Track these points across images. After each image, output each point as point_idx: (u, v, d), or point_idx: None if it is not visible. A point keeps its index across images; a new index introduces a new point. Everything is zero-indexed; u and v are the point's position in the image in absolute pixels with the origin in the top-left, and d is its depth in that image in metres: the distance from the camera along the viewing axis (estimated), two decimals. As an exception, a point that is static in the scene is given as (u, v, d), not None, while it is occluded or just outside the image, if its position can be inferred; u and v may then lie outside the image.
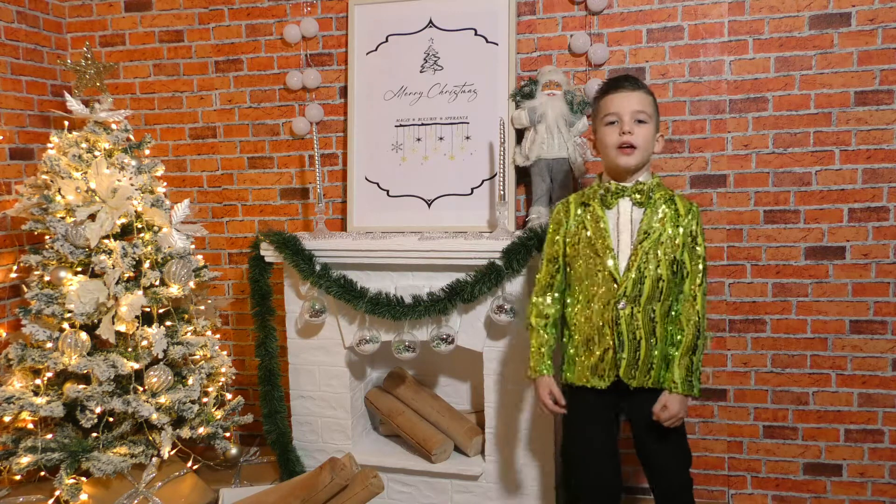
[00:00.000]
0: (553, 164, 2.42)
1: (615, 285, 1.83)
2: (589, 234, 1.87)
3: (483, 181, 2.59)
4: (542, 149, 2.42)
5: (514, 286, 2.30)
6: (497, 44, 2.59)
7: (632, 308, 1.82)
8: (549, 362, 1.96)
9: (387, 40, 2.70)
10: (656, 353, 1.85)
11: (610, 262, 1.83)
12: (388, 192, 2.69)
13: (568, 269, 1.95)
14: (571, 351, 1.94)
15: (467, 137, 2.61)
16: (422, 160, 2.66)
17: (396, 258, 2.39)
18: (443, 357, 2.65)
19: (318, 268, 2.43)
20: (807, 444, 2.53)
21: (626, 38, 2.52)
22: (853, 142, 2.40)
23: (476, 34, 2.61)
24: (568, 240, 1.93)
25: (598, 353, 1.87)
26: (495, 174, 2.56)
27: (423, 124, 2.66)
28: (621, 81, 1.86)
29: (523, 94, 2.49)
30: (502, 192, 2.38)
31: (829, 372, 2.49)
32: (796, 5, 2.39)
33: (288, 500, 2.16)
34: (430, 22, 2.66)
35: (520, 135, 2.55)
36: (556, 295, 1.97)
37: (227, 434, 2.59)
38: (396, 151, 2.68)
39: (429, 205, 2.65)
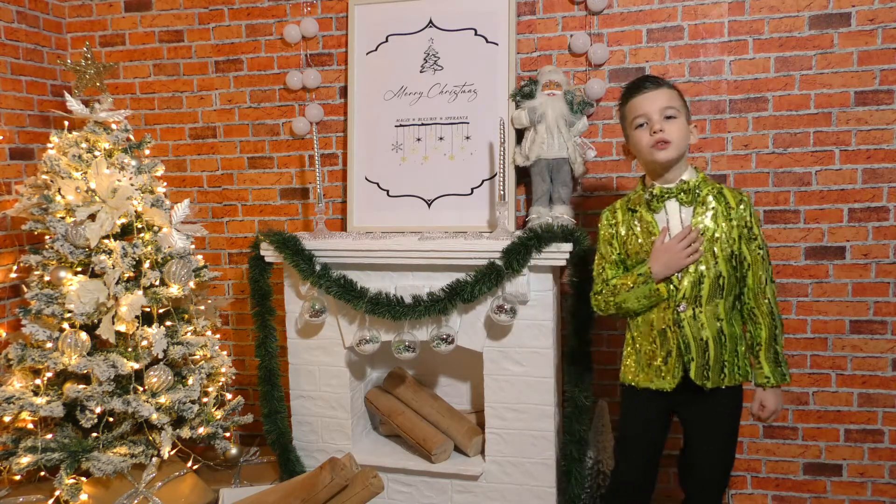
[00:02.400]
0: (553, 164, 2.42)
1: (672, 288, 1.81)
2: (640, 240, 1.86)
3: (483, 181, 2.59)
4: (542, 149, 2.41)
5: (514, 286, 2.30)
6: (497, 44, 2.59)
7: (693, 309, 1.80)
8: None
9: (387, 40, 2.70)
10: (727, 351, 1.82)
11: None
12: (388, 192, 2.69)
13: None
14: (633, 354, 1.93)
15: (467, 137, 2.61)
16: (422, 160, 2.66)
17: (396, 258, 2.39)
18: (443, 357, 2.65)
19: (318, 268, 2.43)
20: (807, 444, 2.53)
21: (626, 38, 2.52)
22: (853, 142, 2.40)
23: (476, 34, 2.61)
24: (619, 247, 1.92)
25: (661, 355, 1.85)
26: (495, 174, 2.56)
27: (423, 124, 2.66)
28: (643, 82, 1.84)
29: (523, 94, 2.49)
30: (502, 192, 2.38)
31: (829, 372, 2.49)
32: (796, 5, 2.40)
33: (288, 500, 2.16)
34: (430, 22, 2.66)
35: (520, 135, 2.55)
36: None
37: (227, 434, 2.59)
38: (396, 151, 2.68)
39: (429, 205, 2.65)
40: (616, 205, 1.97)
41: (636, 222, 1.88)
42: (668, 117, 1.80)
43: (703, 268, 1.79)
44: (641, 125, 1.82)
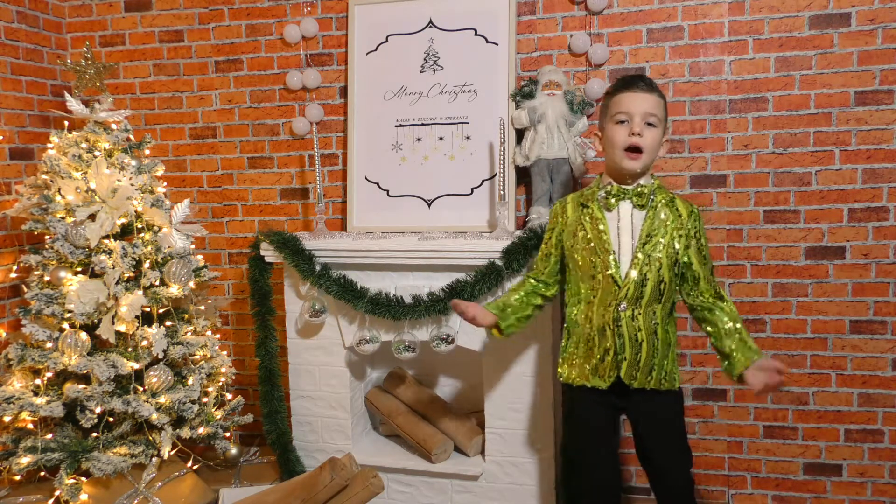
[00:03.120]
0: (553, 164, 2.42)
1: (616, 287, 1.82)
2: (588, 235, 1.87)
3: (483, 181, 2.59)
4: (542, 149, 2.41)
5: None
6: (497, 44, 2.59)
7: (633, 310, 1.82)
8: (496, 311, 1.98)
9: (387, 40, 2.70)
10: (658, 354, 1.85)
11: (611, 265, 1.82)
12: (388, 192, 2.69)
13: (567, 270, 1.96)
14: (571, 350, 1.94)
15: (467, 137, 2.61)
16: (422, 160, 2.66)
17: (396, 258, 2.39)
18: (443, 357, 2.65)
19: (318, 268, 2.43)
20: (807, 444, 2.53)
21: (626, 38, 2.52)
22: (853, 142, 2.40)
23: (476, 34, 2.61)
24: (565, 240, 1.93)
25: (598, 353, 1.87)
26: (495, 174, 2.56)
27: (423, 124, 2.66)
28: (636, 81, 1.84)
29: (523, 94, 2.49)
30: (502, 192, 2.38)
31: (829, 372, 2.49)
32: (796, 5, 2.40)
33: (288, 500, 2.16)
34: (430, 22, 2.66)
35: (520, 135, 2.55)
36: (537, 281, 2.02)
37: (227, 434, 2.59)
38: (396, 151, 2.68)
39: (429, 205, 2.65)
40: (567, 198, 1.98)
41: (587, 218, 1.89)
42: (649, 124, 1.81)
43: (647, 271, 1.81)
44: (622, 122, 1.83)
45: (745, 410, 2.57)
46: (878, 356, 2.44)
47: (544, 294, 2.03)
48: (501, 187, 2.38)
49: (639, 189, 1.84)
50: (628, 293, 1.81)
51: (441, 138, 2.64)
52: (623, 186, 1.86)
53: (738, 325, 1.85)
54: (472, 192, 2.60)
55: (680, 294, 1.91)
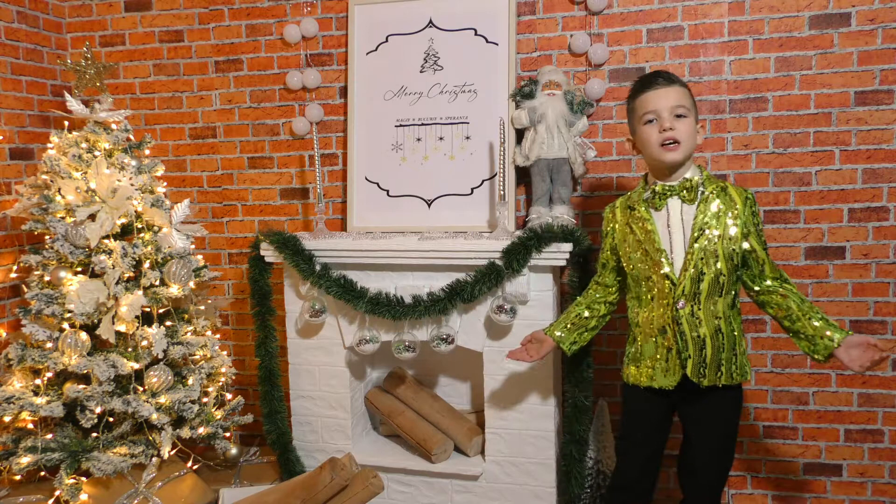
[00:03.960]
0: (553, 164, 2.42)
1: (672, 286, 1.81)
2: (638, 237, 1.86)
3: (483, 181, 2.59)
4: (542, 149, 2.41)
5: (514, 286, 2.30)
6: (497, 44, 2.59)
7: (692, 306, 1.80)
8: (568, 335, 2.02)
9: (387, 40, 2.70)
10: (724, 349, 1.82)
11: (664, 264, 1.81)
12: (388, 192, 2.69)
13: (626, 273, 1.95)
14: (634, 351, 1.94)
15: (467, 137, 2.61)
16: (422, 160, 2.66)
17: (396, 258, 2.39)
18: (443, 357, 2.65)
19: (318, 268, 2.43)
20: (807, 444, 2.53)
21: (626, 38, 2.52)
22: (853, 142, 2.40)
23: (476, 34, 2.61)
24: (618, 246, 1.94)
25: (662, 352, 1.86)
26: (495, 174, 2.56)
27: (423, 124, 2.66)
28: (655, 78, 1.83)
29: (523, 94, 2.49)
30: (502, 192, 2.38)
31: (829, 372, 2.49)
32: (796, 5, 2.40)
33: (288, 500, 2.16)
34: (430, 22, 2.66)
35: (520, 135, 2.55)
36: (601, 293, 2.05)
37: (227, 434, 2.59)
38: (396, 151, 2.68)
39: (429, 205, 2.65)
40: (616, 203, 1.98)
41: (635, 220, 1.88)
42: (679, 116, 1.79)
43: (703, 265, 1.79)
44: (651, 121, 1.81)
45: (746, 410, 2.57)
46: (878, 356, 2.44)
47: (608, 301, 2.05)
48: (501, 187, 2.38)
49: (685, 184, 1.81)
50: (685, 290, 1.80)
51: (441, 138, 2.64)
52: (669, 184, 1.83)
53: (813, 306, 1.81)
54: (472, 192, 2.60)
55: (743, 282, 1.87)
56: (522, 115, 2.46)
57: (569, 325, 2.04)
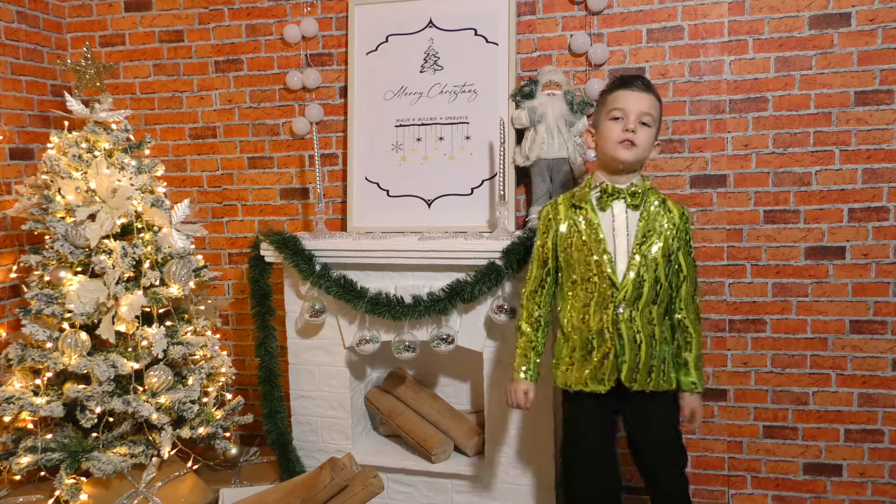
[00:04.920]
0: (553, 164, 2.42)
1: (614, 289, 1.82)
2: (584, 237, 1.86)
3: (483, 181, 2.59)
4: (542, 149, 2.41)
5: (515, 286, 2.30)
6: (497, 44, 2.58)
7: (630, 311, 1.82)
8: (534, 368, 1.96)
9: (387, 40, 2.70)
10: (656, 356, 1.85)
11: (607, 266, 1.82)
12: (388, 192, 2.69)
13: (559, 272, 1.95)
14: (566, 355, 1.93)
15: (467, 137, 2.61)
16: (422, 160, 2.66)
17: (396, 258, 2.39)
18: (443, 357, 2.65)
19: (318, 268, 2.43)
20: (807, 444, 2.53)
21: (626, 38, 2.52)
22: (853, 142, 2.40)
23: (476, 34, 2.61)
24: (559, 243, 1.92)
25: (597, 357, 1.86)
26: (495, 174, 2.56)
27: (423, 124, 2.66)
28: (634, 80, 1.85)
29: (523, 94, 2.49)
30: (502, 192, 2.38)
31: (829, 372, 2.49)
32: (796, 5, 2.40)
33: (288, 500, 2.16)
34: (430, 22, 2.66)
35: (520, 135, 2.55)
36: (546, 298, 1.97)
37: (227, 434, 2.59)
38: (396, 151, 2.68)
39: (429, 205, 2.65)
40: (558, 199, 1.96)
41: (581, 219, 1.88)
42: (644, 123, 1.82)
43: (644, 272, 1.81)
44: (617, 118, 1.83)
45: (745, 410, 2.57)
46: (878, 356, 2.44)
47: (546, 306, 1.98)
48: (501, 187, 2.38)
49: (632, 188, 1.84)
50: (626, 295, 1.81)
51: (441, 138, 2.64)
52: (617, 185, 1.85)
53: (696, 359, 1.90)
54: (472, 192, 2.60)
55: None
56: (522, 115, 2.46)
57: (531, 360, 1.96)
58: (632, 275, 1.81)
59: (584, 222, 1.87)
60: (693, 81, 2.49)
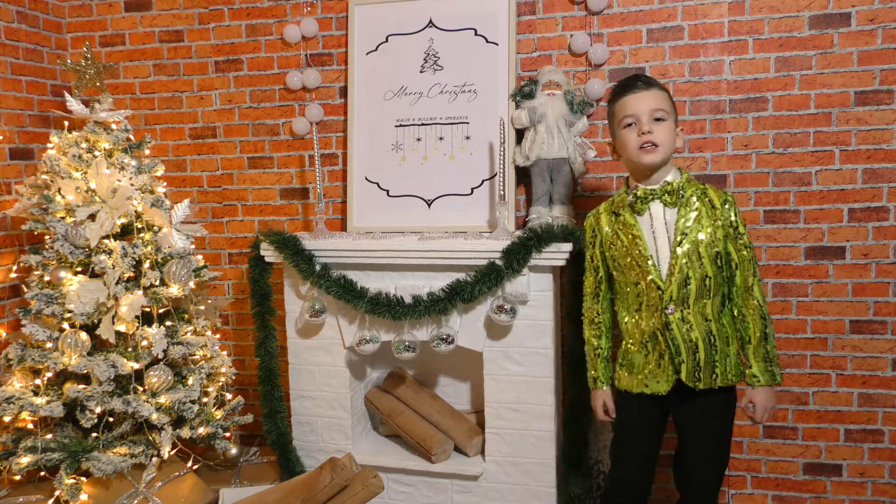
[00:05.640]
0: (553, 164, 2.42)
1: (660, 291, 1.81)
2: (625, 244, 1.86)
3: (483, 181, 2.59)
4: (542, 149, 2.42)
5: (514, 286, 2.30)
6: (497, 44, 2.58)
7: (681, 311, 1.80)
8: (604, 372, 2.00)
9: (387, 40, 2.70)
10: (717, 351, 1.82)
11: (651, 270, 1.81)
12: (388, 192, 2.69)
13: (614, 279, 1.96)
14: (625, 358, 1.94)
15: (467, 137, 2.61)
16: (422, 160, 2.66)
17: (396, 258, 2.39)
18: (443, 357, 2.65)
19: (318, 268, 2.43)
20: (807, 444, 2.53)
21: (626, 38, 2.52)
22: (853, 142, 2.40)
23: (476, 34, 2.61)
24: (605, 251, 1.94)
25: (654, 358, 1.86)
26: (495, 174, 2.56)
27: (423, 124, 2.66)
28: (634, 81, 1.84)
29: (523, 94, 2.49)
30: (502, 192, 2.38)
31: (829, 372, 2.49)
32: (796, 5, 2.40)
33: (288, 500, 2.16)
34: (430, 22, 2.66)
35: (520, 135, 2.55)
36: (605, 304, 2.01)
37: (227, 434, 2.59)
38: (396, 151, 2.68)
39: (429, 205, 2.65)
40: (600, 209, 1.97)
41: (620, 226, 1.88)
42: (657, 119, 1.80)
43: (689, 269, 1.79)
44: (630, 125, 1.82)
45: (740, 410, 2.56)
46: (878, 356, 2.44)
47: (606, 312, 2.03)
48: (501, 187, 2.38)
49: (667, 187, 1.82)
50: (673, 296, 1.80)
51: (441, 138, 2.64)
52: (650, 187, 1.84)
53: (755, 350, 1.85)
54: (472, 192, 2.60)
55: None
56: (522, 115, 2.46)
57: (600, 368, 2.02)
58: (676, 274, 1.79)
59: (623, 229, 1.87)
60: (693, 81, 2.49)
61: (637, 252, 1.83)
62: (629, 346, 1.92)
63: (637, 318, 1.88)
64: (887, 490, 2.48)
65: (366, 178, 2.71)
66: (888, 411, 2.46)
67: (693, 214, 1.81)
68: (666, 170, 1.85)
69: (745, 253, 1.83)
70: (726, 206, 1.83)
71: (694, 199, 1.82)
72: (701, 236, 1.79)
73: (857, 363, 2.46)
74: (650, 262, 1.82)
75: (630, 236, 1.85)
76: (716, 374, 1.83)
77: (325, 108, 2.81)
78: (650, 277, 1.81)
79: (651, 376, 1.87)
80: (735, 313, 1.87)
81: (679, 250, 1.79)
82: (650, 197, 1.83)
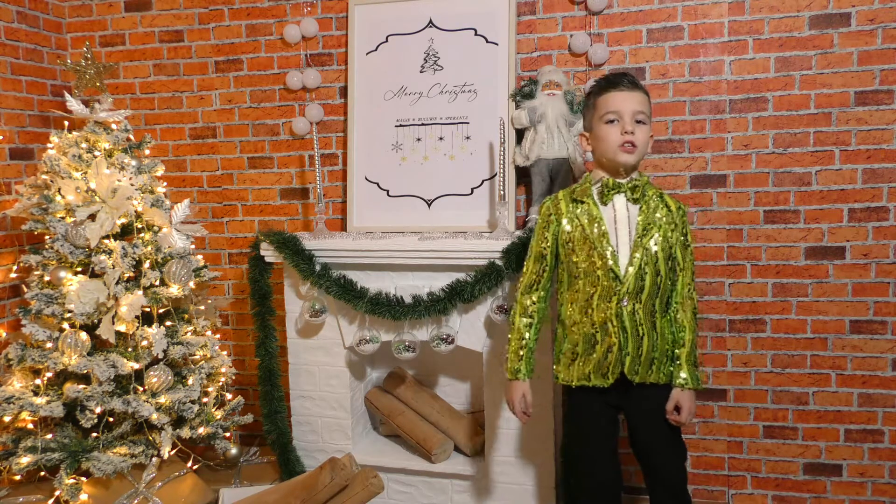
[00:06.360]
0: (553, 164, 2.42)
1: (617, 282, 1.82)
2: (586, 231, 1.86)
3: (483, 181, 2.59)
4: (542, 149, 2.42)
5: (514, 286, 2.30)
6: (497, 44, 2.59)
7: (634, 304, 1.82)
8: (528, 366, 1.95)
9: (387, 40, 2.70)
10: (657, 348, 1.85)
11: (610, 260, 1.82)
12: (388, 192, 2.69)
13: (560, 268, 1.95)
14: (567, 350, 1.92)
15: (467, 137, 2.61)
16: (422, 160, 2.66)
17: (396, 258, 2.39)
18: (443, 357, 2.66)
19: (318, 268, 2.43)
20: (807, 444, 2.53)
21: (626, 38, 2.52)
22: (853, 142, 2.40)
23: (476, 34, 2.61)
24: (561, 238, 1.92)
25: (601, 350, 1.86)
26: (495, 174, 2.56)
27: (423, 124, 2.66)
28: (620, 79, 1.85)
29: (523, 94, 2.49)
30: (502, 192, 2.38)
31: (829, 372, 2.49)
32: (796, 5, 2.40)
33: (288, 500, 2.16)
34: (430, 22, 2.66)
35: (520, 135, 2.55)
36: (542, 294, 1.96)
37: (227, 434, 2.59)
38: (396, 151, 2.68)
39: (429, 205, 2.65)
40: (559, 195, 1.96)
41: (583, 214, 1.88)
42: (639, 122, 1.83)
43: (646, 265, 1.82)
44: (612, 121, 1.84)
45: (745, 410, 2.57)
46: (878, 356, 2.44)
47: (540, 303, 1.96)
48: (501, 187, 2.38)
49: (633, 183, 1.85)
50: (629, 288, 1.81)
51: (441, 138, 2.64)
52: (618, 180, 1.87)
53: (688, 355, 1.87)
54: (472, 192, 2.60)
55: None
56: (522, 115, 2.46)
57: (524, 359, 1.95)
58: (634, 268, 1.81)
59: (586, 216, 1.88)
60: (693, 81, 2.49)
61: (598, 241, 1.84)
62: (573, 337, 1.90)
63: (587, 308, 1.86)
64: (887, 490, 2.48)
65: (366, 178, 2.71)
66: (888, 411, 2.46)
67: (654, 213, 1.85)
68: (635, 172, 1.90)
69: (689, 260, 1.90)
70: (680, 212, 1.89)
71: (654, 198, 1.87)
72: (658, 236, 1.84)
73: (857, 363, 2.46)
74: (610, 252, 1.82)
75: (593, 225, 1.86)
76: (651, 371, 1.86)
77: (325, 108, 2.81)
78: (609, 267, 1.82)
79: (595, 369, 1.87)
80: (671, 316, 1.90)
81: (640, 244, 1.82)
82: (617, 188, 1.86)
